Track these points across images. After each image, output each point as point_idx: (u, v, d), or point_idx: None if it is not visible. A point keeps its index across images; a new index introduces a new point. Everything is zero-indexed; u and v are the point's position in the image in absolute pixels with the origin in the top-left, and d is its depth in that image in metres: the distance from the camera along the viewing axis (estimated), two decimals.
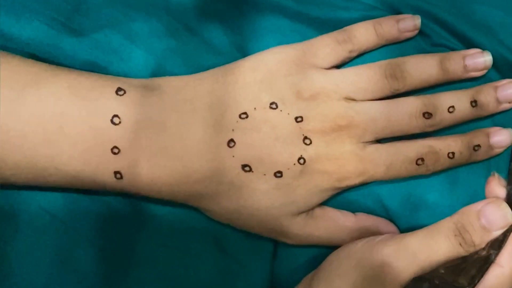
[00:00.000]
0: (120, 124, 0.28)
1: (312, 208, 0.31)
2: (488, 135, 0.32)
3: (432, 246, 0.28)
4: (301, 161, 0.30)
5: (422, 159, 0.31)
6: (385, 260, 0.28)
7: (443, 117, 0.31)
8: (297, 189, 0.30)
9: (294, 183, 0.30)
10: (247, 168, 0.29)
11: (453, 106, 0.31)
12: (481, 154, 0.32)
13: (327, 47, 0.31)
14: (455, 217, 0.28)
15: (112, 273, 0.31)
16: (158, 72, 0.32)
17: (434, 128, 0.31)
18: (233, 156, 0.29)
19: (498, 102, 0.32)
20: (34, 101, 0.28)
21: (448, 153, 0.31)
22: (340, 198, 0.32)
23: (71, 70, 0.30)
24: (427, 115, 0.31)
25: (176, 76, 0.31)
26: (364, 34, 0.32)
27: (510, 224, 0.26)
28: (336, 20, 0.34)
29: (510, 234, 0.26)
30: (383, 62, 0.32)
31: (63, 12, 0.33)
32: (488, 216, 0.27)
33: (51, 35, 0.32)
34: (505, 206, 0.26)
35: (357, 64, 0.32)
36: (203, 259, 0.31)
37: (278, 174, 0.29)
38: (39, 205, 0.31)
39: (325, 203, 0.32)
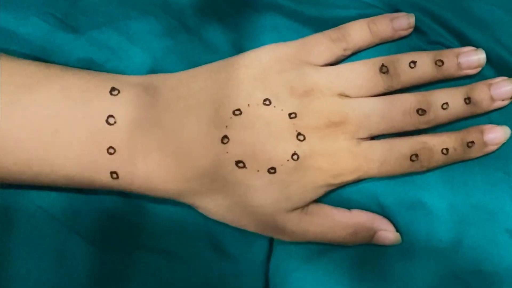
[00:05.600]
0: (115, 124, 0.29)
1: (307, 205, 0.31)
2: (482, 132, 0.32)
3: None
4: (295, 157, 0.30)
5: (416, 155, 0.31)
6: None
7: (437, 114, 0.31)
8: (291, 185, 0.30)
9: (288, 179, 0.30)
10: (241, 165, 0.29)
11: (447, 103, 0.31)
12: (475, 151, 0.32)
13: (322, 45, 0.32)
14: None
15: (109, 272, 0.31)
16: (155, 70, 0.32)
17: (428, 125, 0.31)
18: (227, 153, 0.29)
19: (492, 99, 0.32)
20: (28, 105, 0.28)
21: (442, 149, 0.31)
22: (335, 195, 0.32)
23: (64, 70, 0.30)
24: (421, 111, 0.31)
25: (170, 73, 0.31)
26: (358, 32, 0.32)
27: None
28: (333, 19, 0.34)
29: None
30: (377, 59, 0.32)
31: (60, 9, 0.33)
32: None
33: (47, 31, 0.32)
34: None
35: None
36: (197, 258, 0.32)
37: (272, 170, 0.30)
38: (36, 204, 0.31)
39: (320, 200, 0.32)
